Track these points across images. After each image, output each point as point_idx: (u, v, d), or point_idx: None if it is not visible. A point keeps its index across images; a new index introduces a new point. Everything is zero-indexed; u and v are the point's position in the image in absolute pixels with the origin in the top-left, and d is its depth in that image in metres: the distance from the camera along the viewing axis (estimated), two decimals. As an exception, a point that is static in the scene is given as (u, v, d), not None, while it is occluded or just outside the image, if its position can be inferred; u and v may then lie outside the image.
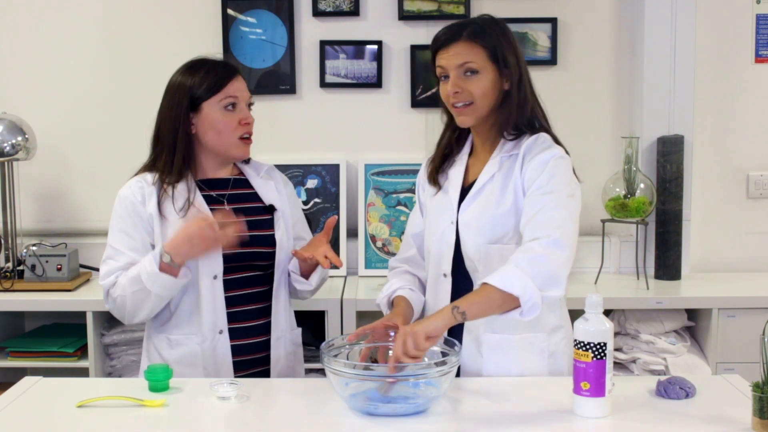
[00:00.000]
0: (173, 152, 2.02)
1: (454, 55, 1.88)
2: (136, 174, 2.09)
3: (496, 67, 1.88)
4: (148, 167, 2.08)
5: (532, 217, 1.82)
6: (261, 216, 2.10)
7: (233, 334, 2.04)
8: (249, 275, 2.04)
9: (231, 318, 2.03)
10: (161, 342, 2.05)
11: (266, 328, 2.09)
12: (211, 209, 2.03)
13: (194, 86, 2.01)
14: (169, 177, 2.02)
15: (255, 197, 2.12)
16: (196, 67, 2.05)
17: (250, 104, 2.08)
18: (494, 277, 1.73)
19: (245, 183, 2.14)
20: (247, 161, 2.17)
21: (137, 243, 2.01)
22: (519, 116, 1.91)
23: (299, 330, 2.20)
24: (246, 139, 2.05)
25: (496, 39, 1.88)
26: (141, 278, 1.92)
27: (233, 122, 2.01)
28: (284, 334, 2.12)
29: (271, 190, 2.14)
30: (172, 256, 1.90)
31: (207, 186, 2.07)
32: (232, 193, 2.10)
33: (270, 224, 2.09)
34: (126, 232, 2.01)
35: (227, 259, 2.00)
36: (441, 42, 1.91)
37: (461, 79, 1.89)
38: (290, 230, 2.14)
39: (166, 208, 2.01)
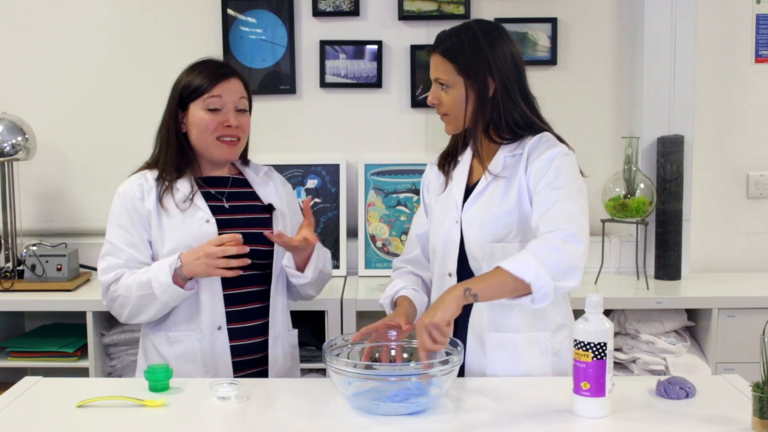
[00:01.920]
0: (167, 149, 2.06)
1: (432, 67, 1.97)
2: (136, 171, 2.11)
3: (462, 81, 1.92)
4: (150, 165, 2.10)
5: (545, 212, 1.83)
6: (259, 214, 2.10)
7: (232, 334, 2.04)
8: (247, 274, 2.04)
9: (229, 318, 2.03)
10: (159, 339, 2.06)
11: (264, 329, 2.09)
12: (209, 206, 2.04)
13: (185, 86, 2.04)
14: (169, 174, 2.04)
15: (254, 196, 2.13)
16: (194, 67, 2.07)
17: (241, 109, 2.06)
18: (509, 262, 1.74)
19: (244, 183, 2.15)
20: (247, 163, 2.18)
21: (135, 239, 2.02)
22: (500, 122, 1.93)
23: (295, 331, 2.21)
24: (228, 142, 2.04)
25: (463, 53, 1.90)
26: (151, 285, 1.94)
27: (214, 123, 2.02)
28: (281, 334, 2.12)
29: (270, 190, 2.15)
30: (183, 268, 1.93)
31: (206, 183, 2.08)
32: (231, 192, 2.10)
33: (268, 223, 2.10)
34: (124, 227, 2.03)
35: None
36: (428, 50, 1.99)
37: (438, 90, 1.96)
38: (288, 230, 2.14)
39: (168, 202, 2.02)
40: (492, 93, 1.92)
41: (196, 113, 2.03)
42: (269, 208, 2.12)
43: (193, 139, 2.05)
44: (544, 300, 1.74)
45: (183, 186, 2.04)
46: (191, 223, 2.01)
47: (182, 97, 2.04)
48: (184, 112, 2.05)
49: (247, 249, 1.94)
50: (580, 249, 1.77)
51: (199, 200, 2.04)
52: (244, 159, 2.19)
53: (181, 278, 1.95)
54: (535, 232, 1.85)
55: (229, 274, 1.94)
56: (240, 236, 1.95)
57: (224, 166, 2.12)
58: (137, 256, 2.02)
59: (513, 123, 1.93)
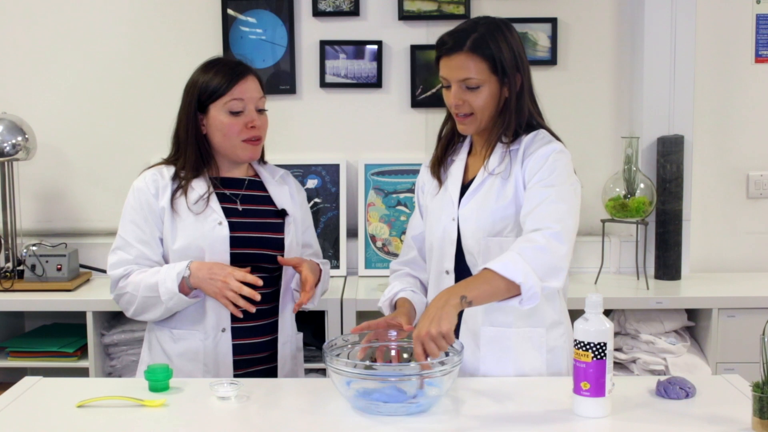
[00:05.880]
0: (186, 152, 2.04)
1: (456, 67, 1.88)
2: (154, 165, 2.10)
3: (497, 79, 1.89)
4: (168, 161, 2.10)
5: (533, 208, 1.83)
6: (272, 219, 2.10)
7: (236, 333, 2.04)
8: (256, 275, 2.03)
9: (235, 317, 2.03)
10: (164, 335, 2.06)
11: (269, 329, 2.09)
12: (223, 207, 2.04)
13: (203, 87, 2.02)
14: (186, 173, 2.04)
15: (268, 200, 2.13)
16: (209, 67, 2.06)
17: (261, 109, 2.06)
18: (497, 263, 1.74)
19: (260, 185, 2.15)
20: (264, 163, 2.19)
21: (147, 236, 2.02)
22: (517, 122, 1.92)
23: (300, 334, 2.22)
24: (253, 142, 2.04)
25: (498, 49, 1.87)
26: (158, 289, 1.95)
27: (238, 125, 2.02)
28: (290, 339, 2.14)
29: (285, 195, 2.15)
30: (192, 278, 1.94)
31: (222, 184, 2.08)
32: (246, 194, 2.11)
33: (280, 228, 2.10)
34: (137, 224, 2.03)
35: (234, 258, 2.02)
36: (444, 50, 1.90)
37: (463, 92, 1.89)
38: (300, 236, 2.16)
39: (179, 204, 2.02)
40: (518, 89, 1.91)
41: (218, 117, 2.01)
42: (282, 213, 2.11)
43: (216, 141, 2.04)
44: (533, 301, 1.75)
45: (198, 186, 2.04)
46: (204, 224, 2.01)
47: (200, 98, 2.02)
48: (203, 114, 2.04)
49: (258, 296, 1.94)
50: (564, 249, 1.78)
51: (214, 202, 2.04)
52: (260, 158, 2.19)
53: (187, 286, 1.96)
54: (522, 226, 1.85)
55: (234, 310, 1.95)
56: (261, 281, 1.95)
57: (244, 165, 2.13)
58: (147, 253, 2.02)
59: (519, 124, 1.92)
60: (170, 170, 2.06)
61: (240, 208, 2.07)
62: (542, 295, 1.77)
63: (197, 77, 2.05)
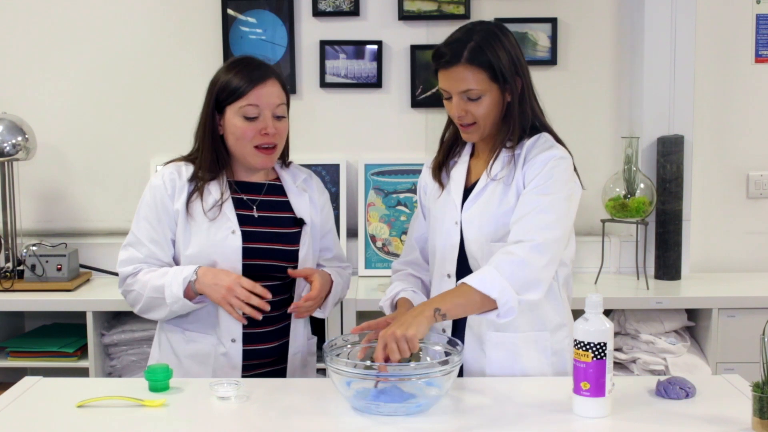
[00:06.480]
0: (203, 151, 2.02)
1: (456, 80, 1.86)
2: (174, 160, 2.07)
3: (497, 86, 1.88)
4: (187, 159, 2.07)
5: (521, 217, 1.84)
6: (289, 228, 2.06)
7: (247, 338, 2.02)
8: (268, 284, 1.99)
9: (246, 325, 2.00)
10: (176, 335, 2.05)
11: (279, 334, 2.07)
12: (238, 214, 2.01)
13: (221, 87, 1.99)
14: (203, 174, 2.01)
15: (287, 206, 2.09)
16: (231, 66, 2.02)
17: (279, 116, 2.01)
18: (473, 278, 1.76)
19: (280, 190, 2.10)
20: (288, 165, 2.14)
21: (158, 236, 2.01)
22: (521, 126, 1.91)
23: (314, 339, 2.20)
24: (266, 149, 1.99)
25: (495, 56, 1.85)
26: (164, 292, 1.94)
27: (252, 131, 1.97)
28: (301, 348, 2.12)
29: (305, 202, 2.10)
30: (197, 283, 1.93)
31: (240, 188, 2.05)
32: (264, 200, 2.07)
33: (296, 238, 2.06)
34: (149, 222, 2.01)
35: (247, 269, 1.99)
36: (442, 63, 1.88)
37: (464, 103, 1.88)
38: (317, 243, 2.13)
39: (195, 208, 2.00)
40: (520, 93, 1.90)
41: (232, 120, 1.98)
42: (299, 222, 2.08)
43: (230, 145, 2.01)
44: (510, 314, 1.77)
45: (215, 190, 2.01)
46: (216, 232, 1.98)
47: (218, 99, 1.99)
48: (220, 114, 2.00)
49: (267, 307, 1.94)
50: (543, 260, 1.79)
51: (228, 208, 2.00)
52: (284, 160, 2.13)
53: (192, 291, 1.94)
54: (510, 229, 1.85)
55: (238, 317, 1.94)
56: (270, 294, 1.94)
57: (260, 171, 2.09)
58: (158, 253, 2.00)
59: (523, 128, 1.92)
60: (189, 170, 2.03)
61: (256, 215, 2.03)
62: (519, 309, 1.77)
63: (219, 76, 2.01)
